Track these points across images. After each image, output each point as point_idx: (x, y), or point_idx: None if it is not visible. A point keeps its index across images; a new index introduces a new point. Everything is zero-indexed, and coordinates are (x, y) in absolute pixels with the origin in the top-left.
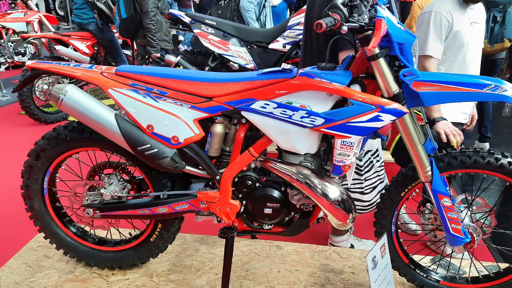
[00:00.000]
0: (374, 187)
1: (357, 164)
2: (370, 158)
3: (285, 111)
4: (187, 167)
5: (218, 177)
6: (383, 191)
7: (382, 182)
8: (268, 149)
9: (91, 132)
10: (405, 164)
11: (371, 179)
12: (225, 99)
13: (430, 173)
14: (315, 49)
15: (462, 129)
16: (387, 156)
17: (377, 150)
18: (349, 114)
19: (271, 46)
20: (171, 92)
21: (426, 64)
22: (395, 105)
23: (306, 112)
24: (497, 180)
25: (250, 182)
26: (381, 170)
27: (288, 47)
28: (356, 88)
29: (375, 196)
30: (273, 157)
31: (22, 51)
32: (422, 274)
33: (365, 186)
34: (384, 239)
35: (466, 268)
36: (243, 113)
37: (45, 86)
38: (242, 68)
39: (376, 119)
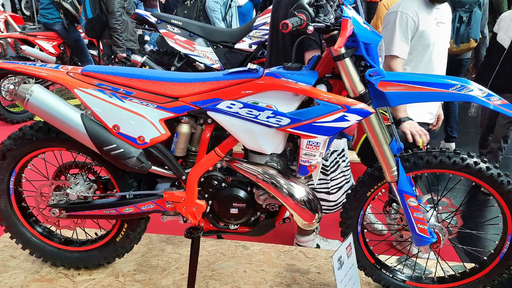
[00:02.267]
0: (340, 187)
1: (323, 164)
2: (336, 158)
3: (251, 111)
4: (153, 167)
5: (184, 177)
6: (349, 191)
7: (348, 182)
8: (234, 149)
9: (57, 132)
10: (371, 164)
11: (337, 179)
12: (191, 99)
13: (396, 173)
14: (281, 49)
15: (428, 129)
16: (353, 156)
17: (343, 150)
18: (315, 114)
19: (237, 46)
20: (137, 92)
21: (392, 64)
22: (361, 105)
23: (272, 112)
24: (463, 180)
25: (216, 182)
26: (347, 170)
27: (254, 47)
28: (322, 88)
29: (341, 196)
30: (239, 157)
31: None
32: (388, 274)
33: (331, 186)
34: (350, 239)
35: (432, 268)
36: (209, 113)
37: (11, 86)
38: (208, 68)
39: (342, 119)
